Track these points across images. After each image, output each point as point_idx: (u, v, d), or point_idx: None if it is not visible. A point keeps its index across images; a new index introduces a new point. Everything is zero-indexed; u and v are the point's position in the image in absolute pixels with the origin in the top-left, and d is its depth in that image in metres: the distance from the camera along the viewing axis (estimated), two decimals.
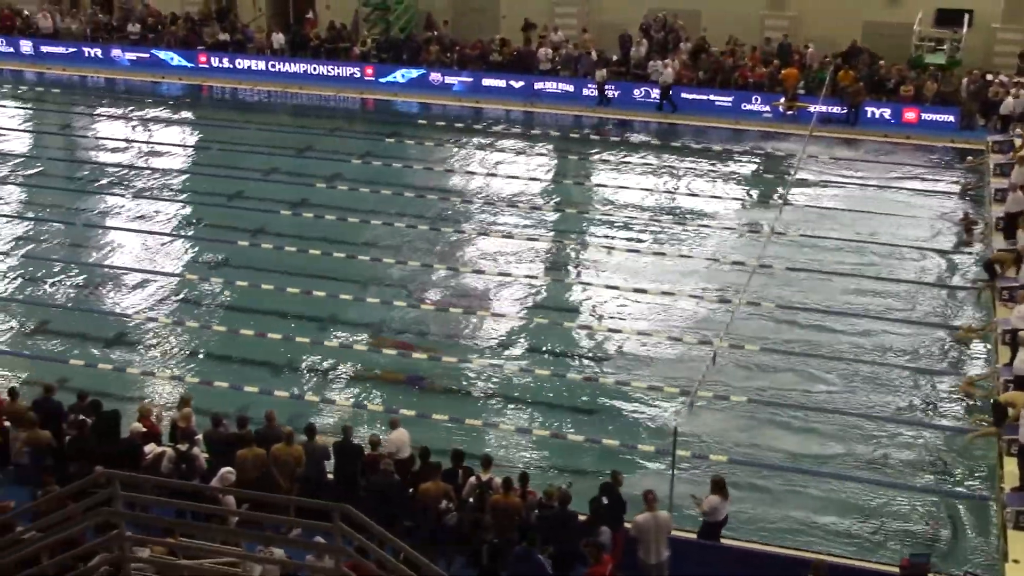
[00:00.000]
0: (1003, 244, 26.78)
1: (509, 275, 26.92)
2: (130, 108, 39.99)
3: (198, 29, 44.25)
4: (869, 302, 25.51)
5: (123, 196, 31.81)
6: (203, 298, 25.82)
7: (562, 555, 15.33)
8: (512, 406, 21.58)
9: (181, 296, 25.90)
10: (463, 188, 32.53)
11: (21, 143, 36.82)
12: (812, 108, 35.45)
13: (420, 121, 38.82)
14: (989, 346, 23.31)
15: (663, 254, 28.00)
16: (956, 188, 32.46)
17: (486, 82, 40.24)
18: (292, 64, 42.25)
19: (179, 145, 36.87)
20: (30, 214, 30.76)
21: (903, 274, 27.00)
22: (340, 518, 11.87)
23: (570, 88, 39.49)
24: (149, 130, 37.99)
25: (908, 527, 18.32)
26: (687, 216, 30.36)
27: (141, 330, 24.33)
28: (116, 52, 43.88)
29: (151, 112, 39.61)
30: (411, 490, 16.38)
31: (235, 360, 23.24)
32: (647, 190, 32.37)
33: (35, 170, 34.11)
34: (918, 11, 38.23)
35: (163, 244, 28.74)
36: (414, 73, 41.25)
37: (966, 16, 38.18)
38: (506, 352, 23.48)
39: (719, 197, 31.64)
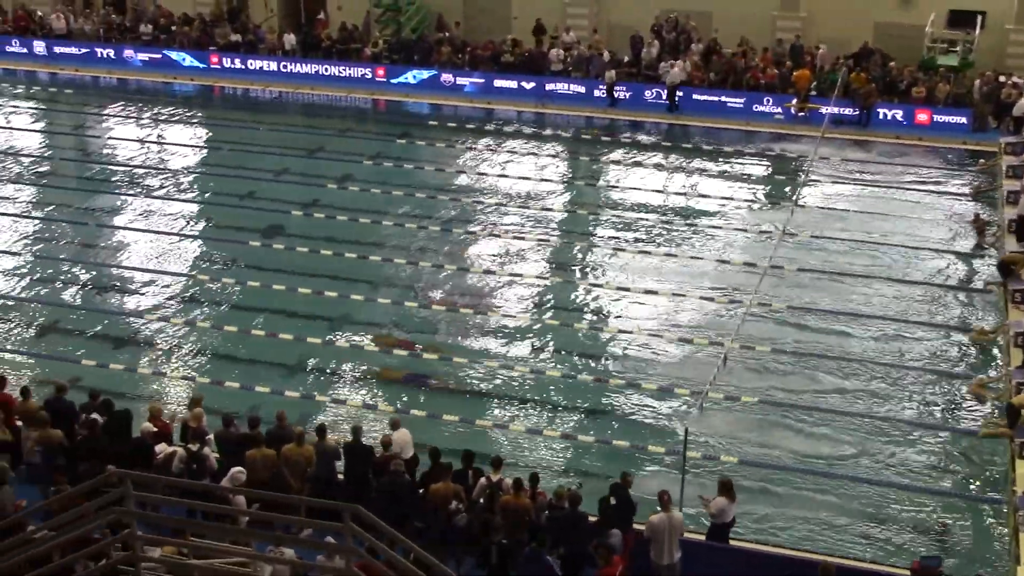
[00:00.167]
0: (1016, 246, 26.68)
1: (519, 276, 26.94)
2: (142, 109, 40.08)
3: (210, 30, 44.34)
4: (881, 304, 25.45)
5: (135, 196, 31.92)
6: (214, 298, 25.89)
7: (572, 556, 15.33)
8: (522, 407, 21.60)
9: (192, 296, 25.96)
10: (474, 189, 32.53)
11: (34, 143, 36.93)
12: (824, 110, 35.39)
13: (431, 122, 38.84)
14: (1001, 348, 23.24)
15: (673, 255, 27.97)
16: (968, 190, 32.35)
17: (497, 83, 40.25)
18: (303, 65, 42.31)
19: (191, 145, 36.96)
20: (42, 214, 30.87)
21: (915, 276, 26.92)
22: (351, 518, 11.88)
23: (581, 89, 39.47)
24: (161, 130, 38.09)
25: (919, 529, 18.28)
26: (698, 217, 30.32)
27: (152, 330, 24.40)
28: (128, 53, 44.01)
29: (163, 113, 39.71)
30: (421, 491, 16.40)
31: (246, 360, 23.29)
32: (658, 191, 32.36)
33: (47, 170, 34.25)
34: (930, 12, 38.08)
35: (174, 244, 28.82)
36: (425, 74, 41.28)
37: (979, 17, 38.03)
38: (516, 353, 23.48)
39: (730, 198, 31.58)
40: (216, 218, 30.48)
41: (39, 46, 44.96)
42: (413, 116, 39.66)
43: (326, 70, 42.01)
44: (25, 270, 27.29)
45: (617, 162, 34.94)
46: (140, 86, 42.79)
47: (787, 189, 32.19)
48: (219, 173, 34.03)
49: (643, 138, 37.04)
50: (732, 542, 16.70)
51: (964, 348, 23.72)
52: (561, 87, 39.84)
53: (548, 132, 37.64)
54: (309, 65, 42.25)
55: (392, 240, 28.90)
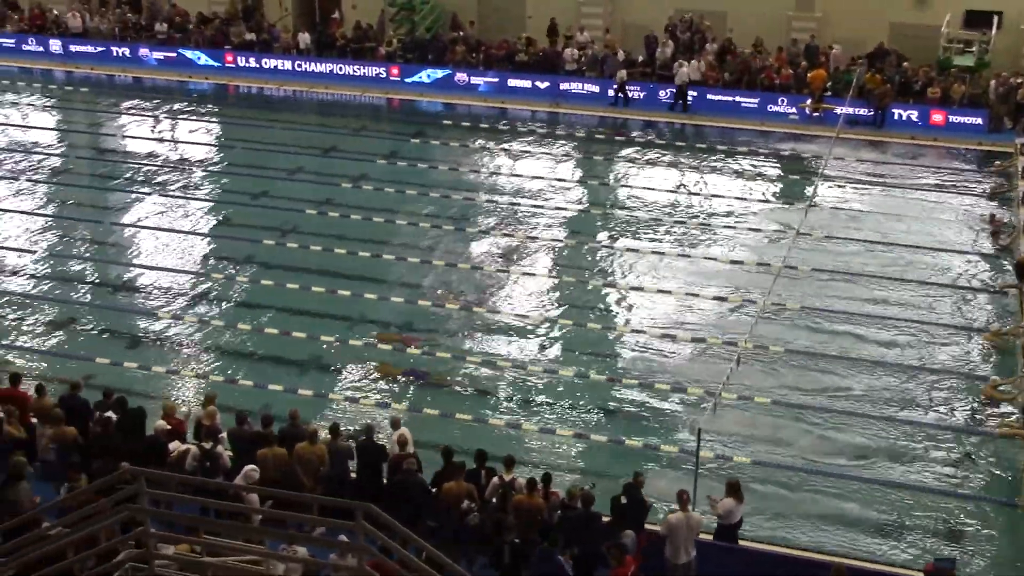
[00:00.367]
0: None
1: (532, 275, 26.94)
2: (157, 107, 40.20)
3: (225, 29, 44.44)
4: (895, 304, 25.38)
5: (149, 194, 32.01)
6: (228, 296, 25.95)
7: (585, 556, 15.33)
8: (535, 406, 21.60)
9: (206, 294, 26.03)
10: (487, 188, 32.54)
11: (49, 141, 37.08)
12: (839, 110, 35.27)
13: (445, 121, 38.85)
14: (1017, 350, 23.17)
15: (687, 255, 27.94)
16: (984, 191, 32.22)
17: (511, 82, 40.25)
18: (318, 64, 42.37)
19: (205, 144, 37.05)
20: (57, 212, 30.99)
21: (930, 277, 26.83)
22: (363, 517, 11.90)
23: (596, 89, 39.44)
24: (175, 129, 38.21)
25: (933, 531, 18.22)
26: (712, 217, 30.27)
27: (166, 328, 24.47)
28: (144, 51, 44.14)
29: (178, 111, 39.83)
30: (434, 490, 16.42)
31: (259, 358, 23.36)
32: (671, 191, 32.31)
33: (62, 168, 34.37)
34: (946, 12, 37.93)
35: (188, 242, 28.91)
36: (439, 73, 41.31)
37: (995, 18, 37.88)
38: (528, 352, 23.49)
39: (744, 199, 31.52)
40: (230, 216, 30.57)
41: (55, 45, 45.11)
42: (427, 115, 39.68)
43: (340, 69, 42.06)
44: (40, 268, 27.40)
45: (631, 162, 34.90)
46: (155, 85, 42.91)
47: (801, 190, 32.11)
48: (233, 172, 34.10)
49: (657, 138, 36.99)
50: (745, 542, 16.67)
51: (979, 350, 23.63)
52: (575, 87, 39.81)
53: (562, 131, 37.62)
54: (323, 64, 42.31)
55: (406, 239, 28.92)
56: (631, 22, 42.38)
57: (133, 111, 40.07)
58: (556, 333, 24.31)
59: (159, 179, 33.14)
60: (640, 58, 40.36)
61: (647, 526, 16.18)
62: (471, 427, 20.74)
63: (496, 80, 40.44)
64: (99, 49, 44.74)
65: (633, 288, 26.27)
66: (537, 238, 28.98)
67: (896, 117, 36.68)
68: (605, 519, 15.90)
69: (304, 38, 43.31)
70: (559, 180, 33.18)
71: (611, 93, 38.69)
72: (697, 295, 25.82)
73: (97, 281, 26.81)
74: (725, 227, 29.60)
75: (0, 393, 18.48)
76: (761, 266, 26.98)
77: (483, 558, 15.90)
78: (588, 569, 15.37)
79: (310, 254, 27.97)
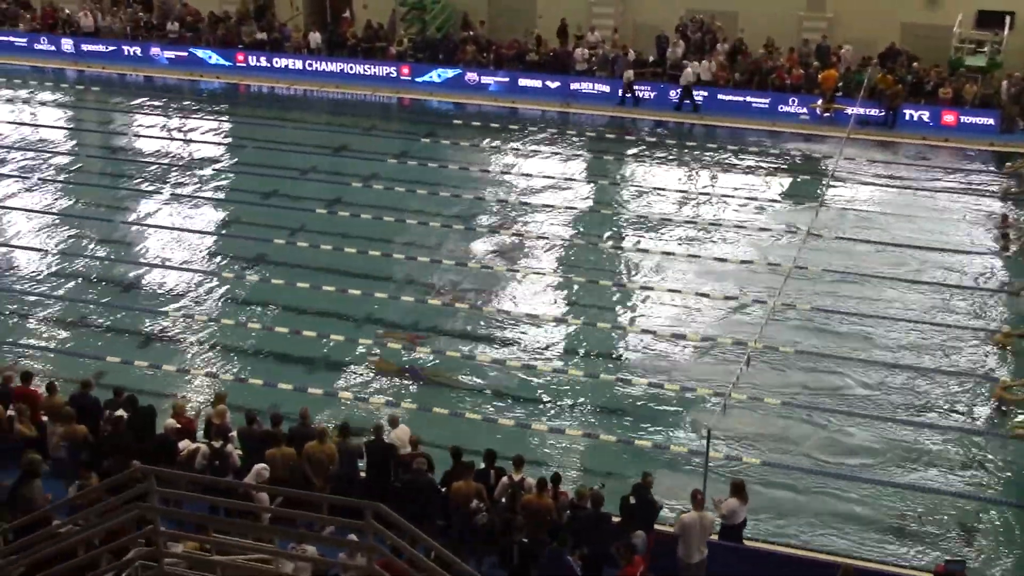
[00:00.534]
0: None
1: (542, 275, 26.95)
2: (168, 106, 40.30)
3: (236, 28, 44.51)
4: (906, 305, 25.32)
5: (160, 193, 32.08)
6: (238, 296, 26.01)
7: (594, 557, 15.33)
8: (544, 406, 21.60)
9: (216, 293, 26.08)
10: (498, 188, 32.54)
11: (61, 140, 37.20)
12: (850, 110, 35.20)
13: (456, 121, 38.85)
14: None
15: (697, 255, 27.90)
16: (996, 192, 32.12)
17: (522, 82, 40.23)
18: (329, 63, 42.41)
19: (216, 143, 37.09)
20: (68, 210, 31.05)
21: (940, 277, 26.75)
22: (372, 516, 11.91)
23: (606, 89, 39.40)
24: (186, 128, 38.28)
25: (943, 533, 18.19)
26: (722, 218, 30.23)
27: (177, 327, 24.52)
28: (155, 50, 44.23)
29: (189, 110, 39.91)
30: (443, 489, 16.43)
31: (270, 357, 23.40)
32: (681, 191, 32.26)
33: (74, 167, 34.44)
34: (958, 12, 37.81)
35: (199, 241, 28.98)
36: (450, 73, 41.31)
37: (1007, 18, 37.74)
38: (538, 352, 23.49)
39: (754, 199, 31.47)
40: (240, 215, 30.61)
41: (67, 44, 45.22)
42: (438, 115, 39.69)
43: (351, 68, 42.09)
44: (50, 266, 27.48)
45: (641, 162, 34.88)
46: (166, 84, 43.00)
47: (812, 190, 32.05)
48: (244, 171, 34.14)
49: (668, 138, 36.94)
50: (753, 543, 16.66)
51: (990, 351, 23.56)
52: (586, 87, 39.79)
53: (572, 131, 37.60)
54: (334, 63, 42.34)
55: (416, 238, 28.94)
56: (642, 22, 42.33)
57: (144, 110, 40.16)
58: (566, 332, 24.32)
59: (170, 178, 33.21)
60: (651, 58, 40.32)
61: (656, 526, 16.16)
62: (480, 426, 20.74)
63: (507, 80, 40.44)
64: (111, 48, 44.85)
65: (643, 287, 26.25)
66: (547, 237, 28.97)
67: (907, 118, 36.58)
68: (615, 519, 15.89)
69: (315, 37, 43.36)
70: (569, 180, 33.17)
71: (619, 93, 38.68)
72: (707, 295, 25.80)
73: (107, 280, 26.88)
74: (735, 227, 29.56)
75: (11, 391, 18.55)
76: (771, 266, 26.95)
77: (492, 558, 15.89)
78: (597, 569, 15.37)
79: (320, 253, 28.02)
